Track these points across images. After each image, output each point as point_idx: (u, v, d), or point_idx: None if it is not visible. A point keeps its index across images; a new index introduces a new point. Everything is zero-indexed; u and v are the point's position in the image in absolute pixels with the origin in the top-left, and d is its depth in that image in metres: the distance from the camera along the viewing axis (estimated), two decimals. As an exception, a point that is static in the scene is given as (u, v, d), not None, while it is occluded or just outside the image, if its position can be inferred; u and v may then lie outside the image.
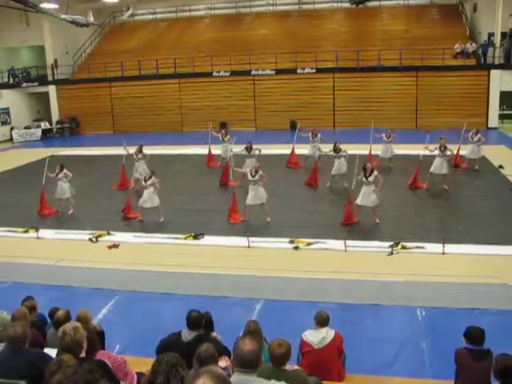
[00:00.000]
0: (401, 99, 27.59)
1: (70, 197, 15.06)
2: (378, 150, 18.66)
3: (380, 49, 27.83)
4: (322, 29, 32.02)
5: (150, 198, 13.80)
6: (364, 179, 13.02)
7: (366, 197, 13.00)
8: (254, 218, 13.73)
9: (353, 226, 12.90)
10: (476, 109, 26.62)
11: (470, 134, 18.12)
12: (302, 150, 19.28)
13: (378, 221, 13.05)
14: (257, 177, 13.43)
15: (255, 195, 13.44)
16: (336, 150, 16.30)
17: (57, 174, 14.91)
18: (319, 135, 18.64)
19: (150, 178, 13.84)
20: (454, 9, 31.51)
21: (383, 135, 18.48)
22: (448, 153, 15.75)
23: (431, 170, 15.80)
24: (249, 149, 16.98)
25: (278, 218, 13.61)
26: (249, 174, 13.59)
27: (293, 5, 34.87)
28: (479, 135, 17.97)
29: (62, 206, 15.16)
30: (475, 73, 27.08)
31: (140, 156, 16.92)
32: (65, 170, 14.98)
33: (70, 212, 14.96)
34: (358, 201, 13.11)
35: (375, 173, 12.96)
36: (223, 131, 20.17)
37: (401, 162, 17.73)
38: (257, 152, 17.06)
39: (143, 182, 14.01)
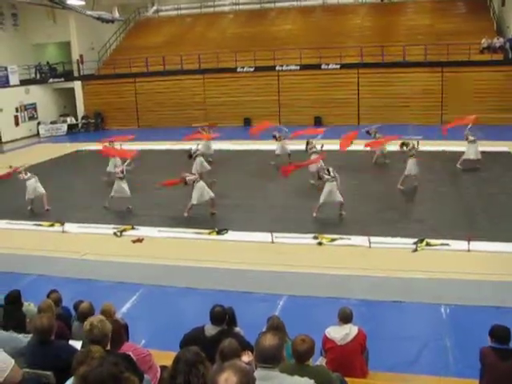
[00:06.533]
0: (426, 95, 27.23)
1: (43, 193, 15.07)
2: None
3: (405, 44, 27.52)
4: (346, 24, 31.80)
5: (120, 189, 14.62)
6: (327, 176, 13.16)
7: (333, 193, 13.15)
8: (277, 213, 13.74)
9: (374, 222, 12.82)
10: (503, 104, 26.13)
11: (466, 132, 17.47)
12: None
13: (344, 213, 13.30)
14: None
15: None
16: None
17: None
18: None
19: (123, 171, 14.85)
20: (481, 2, 30.94)
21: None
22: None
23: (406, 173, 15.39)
24: None
25: (302, 214, 13.59)
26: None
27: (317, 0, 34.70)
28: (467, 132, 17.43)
29: (33, 204, 15.16)
30: (502, 68, 26.56)
31: None
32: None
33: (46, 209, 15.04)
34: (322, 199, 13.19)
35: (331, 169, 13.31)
36: (206, 128, 21.22)
37: (425, 158, 17.40)
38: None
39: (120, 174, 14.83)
